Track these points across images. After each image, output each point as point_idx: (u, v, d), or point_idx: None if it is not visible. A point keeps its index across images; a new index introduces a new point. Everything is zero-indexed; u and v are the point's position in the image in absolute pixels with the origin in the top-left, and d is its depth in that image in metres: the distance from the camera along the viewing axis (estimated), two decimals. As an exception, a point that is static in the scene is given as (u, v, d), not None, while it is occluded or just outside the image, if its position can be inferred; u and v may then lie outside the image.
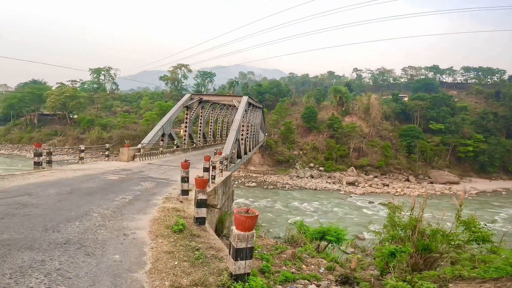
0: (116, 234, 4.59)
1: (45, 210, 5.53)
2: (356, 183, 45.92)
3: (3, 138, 64.39)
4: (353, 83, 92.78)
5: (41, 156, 11.07)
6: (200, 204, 5.08)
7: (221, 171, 10.98)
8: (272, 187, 43.67)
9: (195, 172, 12.72)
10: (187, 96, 23.69)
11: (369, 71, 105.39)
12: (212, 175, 9.26)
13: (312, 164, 52.43)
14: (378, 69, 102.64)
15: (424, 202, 6.75)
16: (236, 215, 3.07)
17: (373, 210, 33.01)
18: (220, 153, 13.01)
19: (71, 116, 66.25)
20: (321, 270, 5.92)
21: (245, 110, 21.03)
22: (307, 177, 49.01)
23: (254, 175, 49.21)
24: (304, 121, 60.79)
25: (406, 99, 69.31)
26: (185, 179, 7.39)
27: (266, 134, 54.71)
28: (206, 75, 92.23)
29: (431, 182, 47.60)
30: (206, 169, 8.86)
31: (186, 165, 7.30)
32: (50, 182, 8.22)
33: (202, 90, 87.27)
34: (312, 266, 6.17)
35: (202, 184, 5.05)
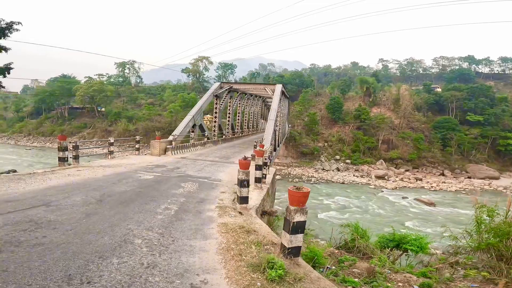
0: (180, 286, 2.97)
1: (66, 234, 3.85)
2: (386, 177, 43.81)
3: (35, 131, 67.06)
4: (379, 73, 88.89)
5: (66, 150, 9.79)
6: (296, 228, 3.50)
7: (268, 168, 9.92)
8: (297, 180, 42.54)
9: (235, 169, 11.77)
10: (216, 84, 22.84)
11: (396, 61, 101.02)
12: (263, 174, 8.13)
13: (338, 157, 50.69)
14: (406, 59, 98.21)
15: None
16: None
17: (408, 206, 31.21)
18: (262, 146, 12.03)
19: (99, 109, 67.85)
20: (415, 291, 4.85)
21: (280, 99, 19.95)
22: (333, 170, 47.42)
23: (278, 167, 48.21)
24: (329, 112, 59.15)
25: (439, 89, 65.49)
26: (244, 183, 5.77)
27: (290, 126, 53.52)
28: (227, 67, 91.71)
29: (469, 177, 44.50)
30: (259, 167, 7.65)
31: (246, 165, 5.79)
32: (76, 185, 6.83)
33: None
34: (400, 284, 4.94)
35: (301, 199, 3.45)
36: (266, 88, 23.54)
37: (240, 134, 30.03)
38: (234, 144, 22.18)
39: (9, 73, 17.21)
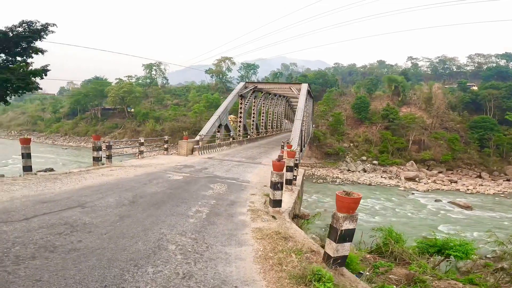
0: (219, 301, 2.84)
1: (101, 239, 3.76)
2: (417, 179, 41.74)
3: (71, 131, 70.49)
4: (408, 71, 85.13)
5: (100, 150, 10.09)
6: (344, 236, 3.24)
7: (297, 169, 9.59)
8: (321, 181, 41.59)
9: (263, 170, 11.59)
10: (241, 84, 22.79)
11: (427, 59, 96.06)
12: (294, 175, 7.86)
13: (364, 157, 49.06)
14: (438, 57, 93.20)
15: None
16: None
17: (442, 209, 29.45)
18: (290, 146, 11.71)
19: (128, 110, 70.27)
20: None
21: (306, 99, 19.50)
22: (359, 171, 45.99)
23: (302, 168, 47.49)
24: (354, 112, 57.63)
25: (475, 88, 61.46)
26: (278, 186, 5.50)
27: (314, 126, 52.65)
28: (250, 67, 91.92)
29: (508, 179, 41.36)
30: (290, 168, 7.35)
31: (280, 166, 5.48)
32: (109, 185, 6.95)
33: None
34: (445, 294, 4.60)
35: (352, 205, 3.19)
36: (291, 88, 23.10)
37: (265, 134, 29.81)
38: (259, 144, 22.00)
39: (46, 75, 17.02)
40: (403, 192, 36.82)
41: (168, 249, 3.72)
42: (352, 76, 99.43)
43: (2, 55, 14.78)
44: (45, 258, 3.16)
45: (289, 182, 7.52)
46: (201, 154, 14.56)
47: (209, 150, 15.57)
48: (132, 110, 69.75)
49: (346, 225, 3.19)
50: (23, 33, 14.31)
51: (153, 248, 3.69)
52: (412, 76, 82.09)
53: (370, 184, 40.55)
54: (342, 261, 3.39)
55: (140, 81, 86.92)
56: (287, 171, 7.42)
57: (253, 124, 26.12)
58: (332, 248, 3.34)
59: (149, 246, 3.74)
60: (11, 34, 13.97)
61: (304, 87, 20.26)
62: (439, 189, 38.15)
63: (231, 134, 19.57)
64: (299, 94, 19.87)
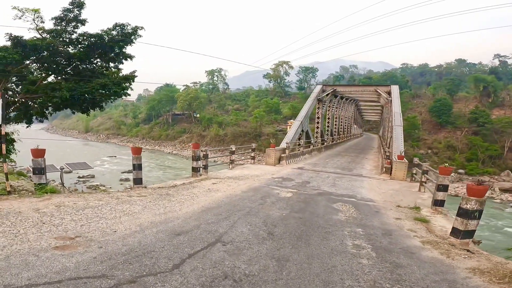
0: None
1: None
2: (515, 190, 35.28)
3: (147, 135, 76.28)
4: (498, 70, 73.62)
5: (199, 160, 9.61)
6: None
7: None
8: (395, 190, 37.79)
9: (374, 184, 10.06)
10: (318, 87, 21.54)
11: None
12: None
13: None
14: (533, 53, 78.22)
15: None
16: None
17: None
18: (402, 157, 10.20)
19: (195, 115, 73.99)
20: None
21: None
22: (439, 181, 40.89)
23: (372, 176, 43.93)
24: (432, 116, 51.69)
25: None
26: (475, 214, 4.35)
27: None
28: (308, 71, 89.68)
29: None
30: (444, 187, 5.97)
31: (481, 192, 4.32)
32: (225, 206, 6.23)
33: (305, 86, 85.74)
34: None
35: None
36: (378, 90, 21.03)
37: (338, 141, 28.03)
38: (338, 152, 20.51)
39: (133, 81, 15.93)
40: (498, 204, 31.56)
41: None
42: (425, 76, 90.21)
43: (99, 60, 14.37)
44: None
45: (442, 203, 6.19)
46: (288, 163, 13.80)
47: (295, 159, 14.74)
48: (198, 115, 73.17)
49: None
50: (116, 37, 13.64)
51: None
52: (503, 75, 70.90)
53: (456, 195, 35.49)
54: None
55: (203, 87, 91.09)
56: (439, 190, 6.12)
57: (328, 130, 24.63)
58: None
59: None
60: (106, 38, 13.38)
61: (395, 89, 18.16)
62: (543, 201, 31.79)
63: (312, 142, 18.51)
64: (389, 97, 17.88)
